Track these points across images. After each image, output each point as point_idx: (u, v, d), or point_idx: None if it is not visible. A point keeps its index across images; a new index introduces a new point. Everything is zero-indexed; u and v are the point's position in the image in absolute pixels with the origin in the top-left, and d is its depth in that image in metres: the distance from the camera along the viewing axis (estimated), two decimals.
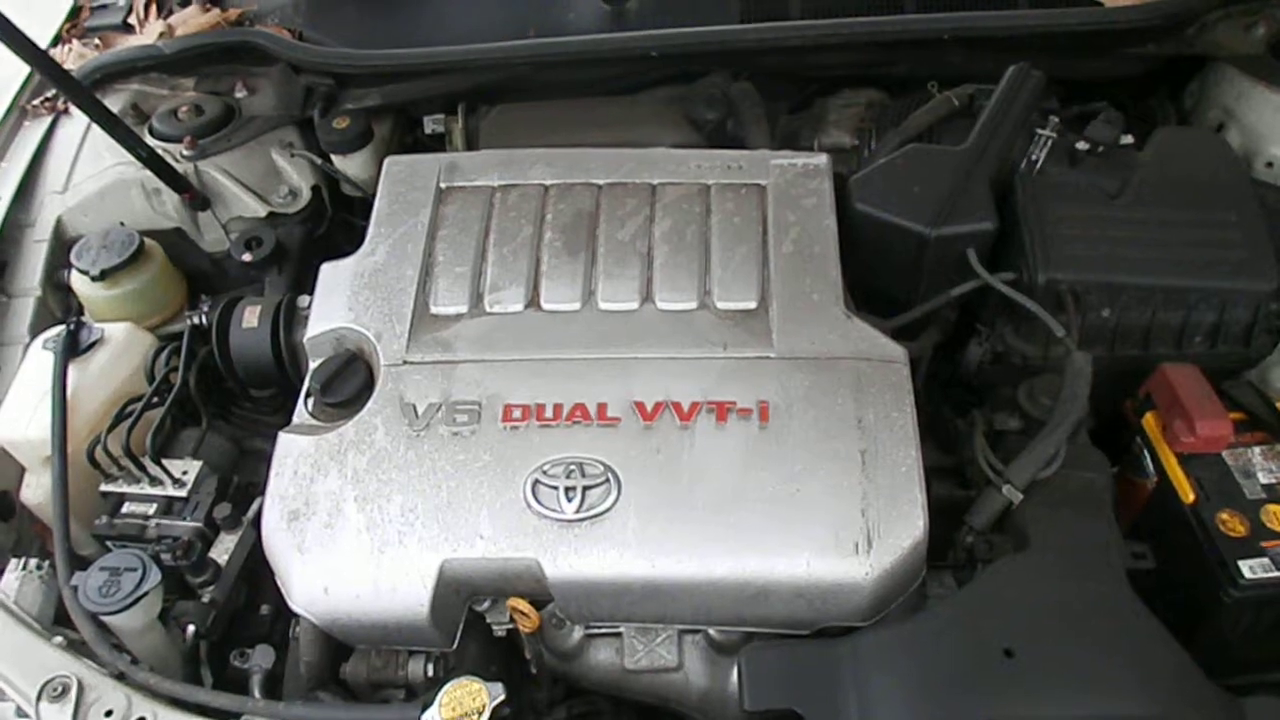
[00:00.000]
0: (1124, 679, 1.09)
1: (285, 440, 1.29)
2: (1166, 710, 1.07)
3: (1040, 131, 1.59)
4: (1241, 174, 1.60)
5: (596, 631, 1.33)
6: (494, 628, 1.30)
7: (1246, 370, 1.53)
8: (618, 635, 1.33)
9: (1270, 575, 1.23)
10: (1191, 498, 1.31)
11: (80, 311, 1.75)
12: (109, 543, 1.41)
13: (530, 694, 1.35)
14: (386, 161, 1.62)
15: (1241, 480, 1.32)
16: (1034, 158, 1.57)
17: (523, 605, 1.22)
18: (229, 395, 1.64)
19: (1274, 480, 1.32)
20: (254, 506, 1.41)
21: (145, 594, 1.23)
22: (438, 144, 1.98)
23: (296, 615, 1.27)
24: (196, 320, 1.58)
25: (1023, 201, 1.50)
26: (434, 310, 1.40)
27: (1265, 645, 1.31)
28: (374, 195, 1.57)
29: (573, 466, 1.22)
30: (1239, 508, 1.29)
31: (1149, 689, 1.08)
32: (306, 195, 1.86)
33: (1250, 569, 1.24)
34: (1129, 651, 1.11)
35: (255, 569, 1.37)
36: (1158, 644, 1.12)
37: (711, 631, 1.29)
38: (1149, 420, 1.39)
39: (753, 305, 1.37)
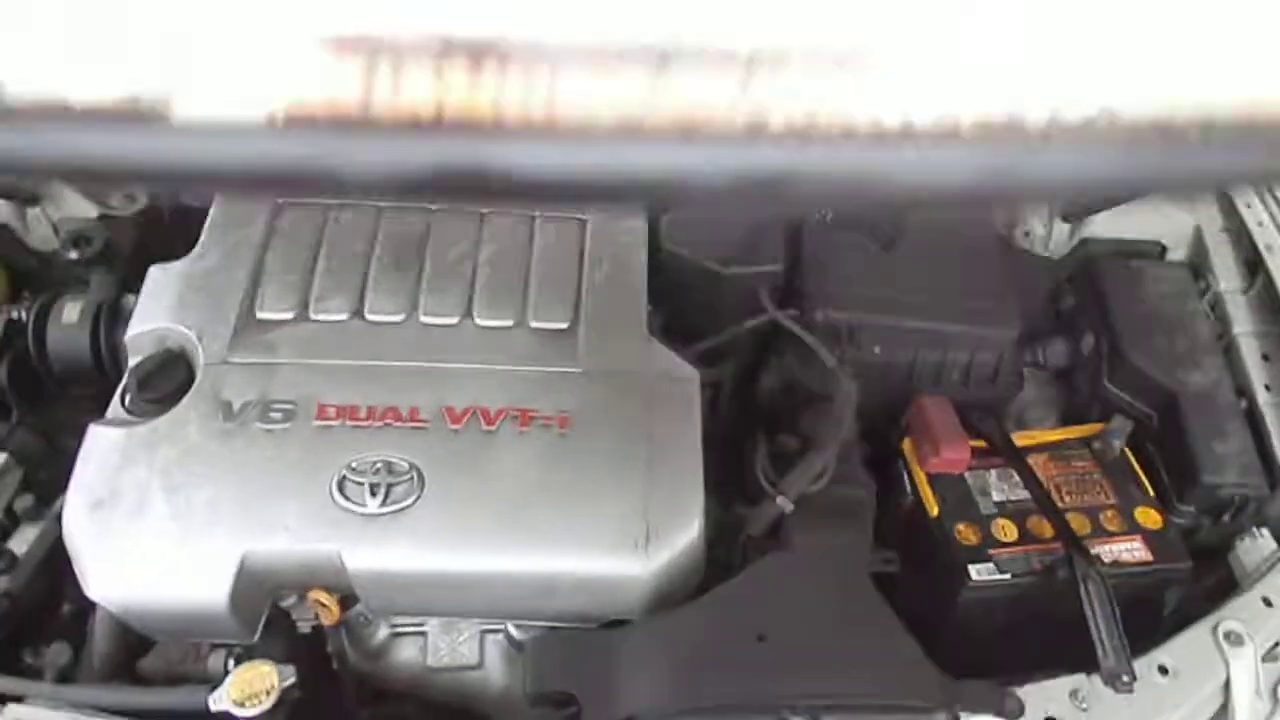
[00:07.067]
0: (860, 662, 1.25)
1: (95, 431, 1.31)
2: (895, 689, 1.23)
3: None
4: (996, 235, 1.85)
5: (402, 630, 1.40)
6: (298, 624, 1.34)
7: (1002, 406, 1.76)
8: (423, 634, 1.40)
9: (993, 578, 1.43)
10: (935, 511, 1.51)
11: None
12: None
13: (336, 695, 1.40)
14: None
15: (978, 498, 1.53)
16: (822, 210, 1.77)
17: (324, 597, 1.27)
18: (49, 395, 1.62)
19: (1004, 498, 1.53)
20: (60, 501, 1.41)
21: None
22: None
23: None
24: (15, 314, 1.57)
25: (809, 247, 1.69)
26: (260, 315, 1.45)
27: (995, 649, 1.49)
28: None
29: (380, 465, 1.29)
30: (973, 520, 1.50)
31: (880, 671, 1.24)
32: (144, 199, 1.86)
33: (977, 572, 1.43)
34: (866, 640, 1.27)
35: (60, 568, 1.35)
36: (892, 634, 1.28)
37: (511, 629, 1.38)
38: (906, 445, 1.59)
39: (564, 326, 1.49)
